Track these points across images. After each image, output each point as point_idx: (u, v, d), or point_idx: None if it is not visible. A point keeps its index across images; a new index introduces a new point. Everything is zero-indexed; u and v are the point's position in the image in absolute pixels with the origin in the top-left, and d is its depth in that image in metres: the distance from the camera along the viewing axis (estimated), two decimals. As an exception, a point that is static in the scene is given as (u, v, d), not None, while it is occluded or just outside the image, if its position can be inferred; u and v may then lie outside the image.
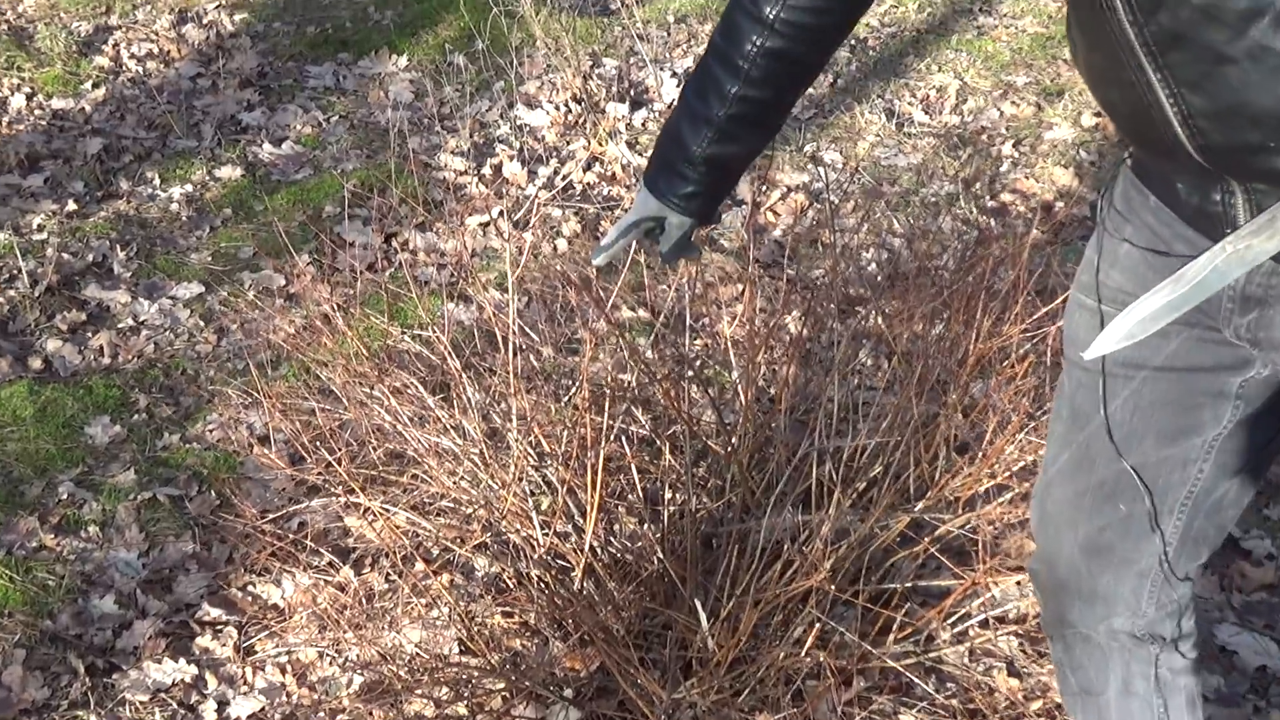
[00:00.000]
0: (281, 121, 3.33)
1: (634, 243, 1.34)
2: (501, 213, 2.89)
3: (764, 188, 2.89)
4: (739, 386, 1.93)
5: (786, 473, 1.80)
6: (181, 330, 2.57)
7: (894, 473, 1.79)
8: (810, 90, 3.40)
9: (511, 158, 3.15)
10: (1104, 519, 1.19)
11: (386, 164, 3.04)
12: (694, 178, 1.27)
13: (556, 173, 3.12)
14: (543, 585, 1.76)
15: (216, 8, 3.74)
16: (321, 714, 1.73)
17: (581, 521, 1.75)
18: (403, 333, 2.17)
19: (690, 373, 1.94)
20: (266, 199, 2.97)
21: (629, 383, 1.98)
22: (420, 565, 1.83)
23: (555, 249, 2.82)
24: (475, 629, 1.75)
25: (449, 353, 1.93)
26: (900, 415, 1.83)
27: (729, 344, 2.06)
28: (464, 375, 1.92)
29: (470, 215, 2.89)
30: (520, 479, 1.83)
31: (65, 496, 2.14)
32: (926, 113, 3.30)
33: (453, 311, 2.42)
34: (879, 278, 2.37)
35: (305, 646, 1.86)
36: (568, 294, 2.26)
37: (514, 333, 1.87)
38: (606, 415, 1.76)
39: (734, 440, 1.85)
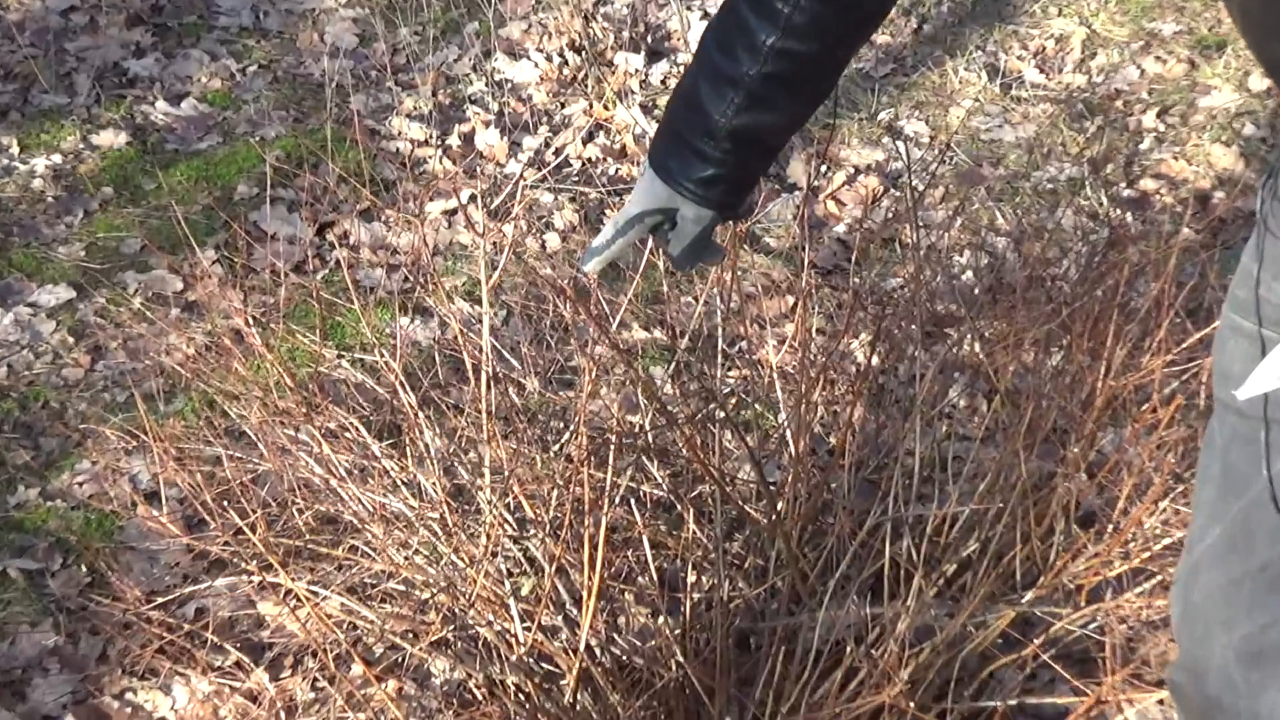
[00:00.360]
0: (181, 72, 3.40)
1: (638, 243, 1.38)
2: (474, 197, 2.93)
3: (823, 168, 2.92)
4: (787, 433, 1.95)
5: (850, 550, 1.83)
6: (44, 349, 2.62)
7: (994, 552, 1.81)
8: (882, 38, 3.45)
9: (487, 124, 3.20)
10: (1268, 615, 1.21)
11: (320, 130, 3.08)
12: (715, 156, 1.30)
13: (547, 145, 3.16)
14: (523, 697, 1.78)
15: (97, -79, 3.82)
16: None
17: (575, 613, 1.77)
18: (340, 356, 2.21)
19: (722, 414, 1.96)
20: (160, 174, 3.02)
21: (640, 427, 2.00)
22: (359, 668, 1.84)
23: (544, 247, 2.86)
24: (431, 753, 1.74)
25: (401, 384, 1.94)
26: (1003, 474, 1.85)
27: (774, 376, 2.08)
28: (421, 414, 1.94)
29: (432, 200, 2.94)
30: (494, 554, 1.84)
31: (-113, 569, 2.18)
32: (1041, 70, 3.35)
33: (407, 329, 2.46)
34: (976, 290, 2.40)
35: (203, 774, 1.86)
36: (560, 308, 2.28)
37: (488, 359, 1.89)
38: (610, 470, 1.77)
39: (780, 505, 1.88)
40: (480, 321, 1.96)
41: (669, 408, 1.97)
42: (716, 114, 1.27)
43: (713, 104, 1.27)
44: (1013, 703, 1.81)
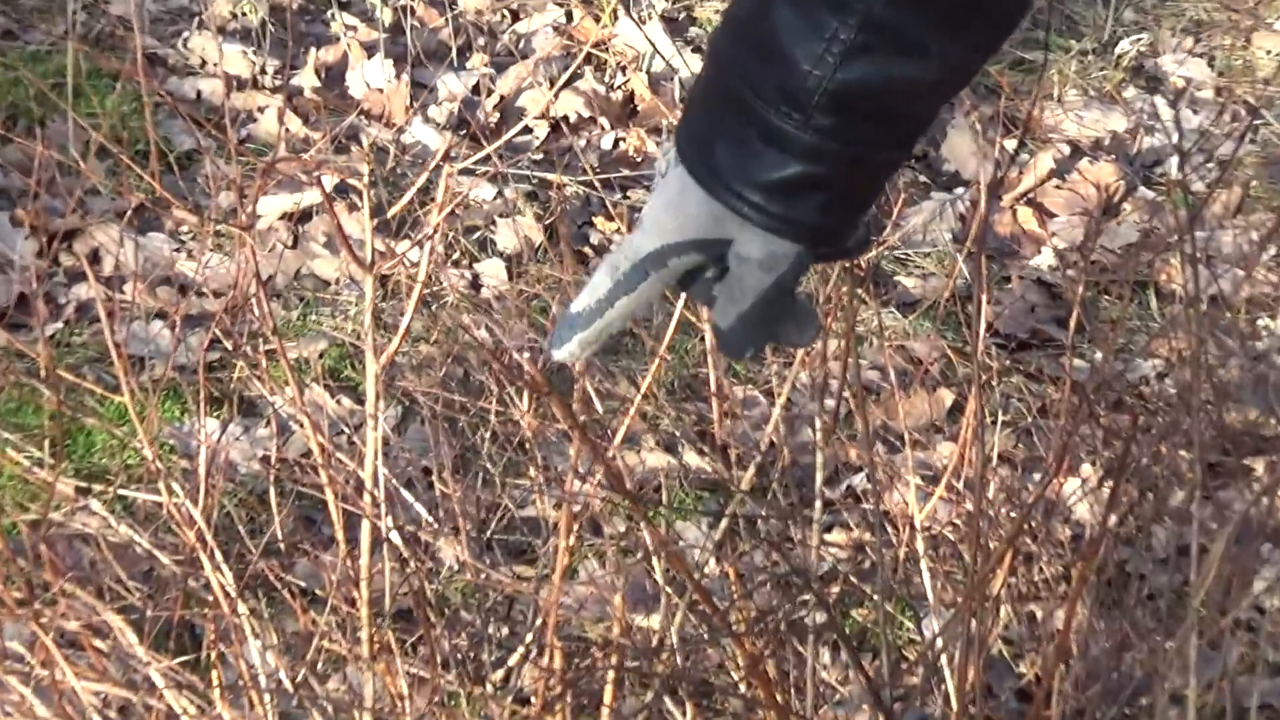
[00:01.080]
0: None
1: (668, 296, 1.41)
2: (346, 190, 2.69)
3: (1015, 146, 2.82)
4: (942, 656, 1.86)
5: None
6: None
7: None
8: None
9: (370, 50, 3.01)
10: None
11: (53, 56, 2.88)
12: (805, 141, 1.21)
13: (487, 92, 3.01)
14: None
15: None
16: None
17: None
18: (85, 492, 2.07)
19: (819, 616, 1.85)
20: None
21: (660, 639, 1.88)
22: None
23: (478, 288, 2.62)
24: None
25: (205, 548, 1.82)
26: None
27: (918, 545, 1.99)
28: (242, 606, 1.84)
29: (266, 193, 2.82)
30: None
31: None
32: None
33: (216, 439, 2.30)
34: (1307, 387, 2.42)
35: None
36: (510, 405, 2.15)
37: (373, 502, 1.78)
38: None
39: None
40: (359, 428, 1.91)
41: (715, 602, 1.83)
42: (808, 62, 1.18)
43: (801, 43, 1.19)
44: None
